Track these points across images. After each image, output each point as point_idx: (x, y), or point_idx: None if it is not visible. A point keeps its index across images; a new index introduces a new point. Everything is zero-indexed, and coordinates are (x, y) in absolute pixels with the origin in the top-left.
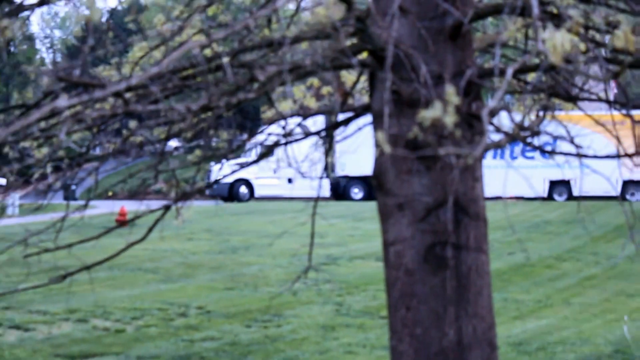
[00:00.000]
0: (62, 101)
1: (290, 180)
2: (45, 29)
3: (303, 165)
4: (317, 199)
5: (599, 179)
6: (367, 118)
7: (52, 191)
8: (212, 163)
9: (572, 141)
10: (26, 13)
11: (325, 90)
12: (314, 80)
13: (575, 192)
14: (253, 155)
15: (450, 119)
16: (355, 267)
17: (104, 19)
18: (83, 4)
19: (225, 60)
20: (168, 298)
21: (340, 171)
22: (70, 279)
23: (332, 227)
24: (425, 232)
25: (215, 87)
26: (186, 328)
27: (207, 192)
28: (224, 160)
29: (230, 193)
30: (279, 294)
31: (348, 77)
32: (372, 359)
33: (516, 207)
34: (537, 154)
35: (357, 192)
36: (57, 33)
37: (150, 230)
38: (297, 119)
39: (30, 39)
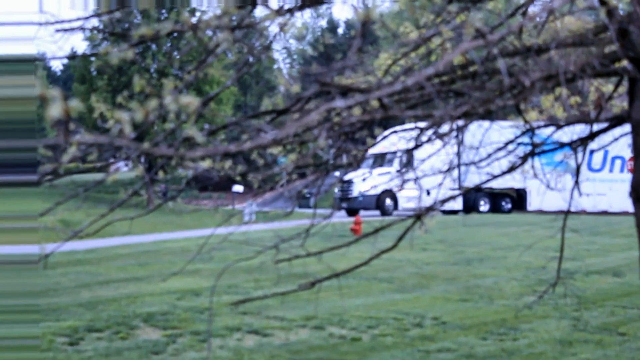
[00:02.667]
0: (339, 102)
1: (428, 193)
2: (282, 39)
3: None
4: (568, 212)
5: None
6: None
7: (294, 198)
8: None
9: None
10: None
11: (573, 100)
12: (562, 90)
13: None
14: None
15: None
16: (592, 282)
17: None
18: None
19: (501, 63)
20: (403, 308)
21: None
22: (319, 286)
23: (567, 240)
24: None
25: (478, 93)
26: (421, 339)
27: (345, 205)
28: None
29: (377, 205)
30: (523, 308)
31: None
32: None
33: None
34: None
35: (483, 204)
36: (293, 42)
37: (400, 239)
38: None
39: (268, 48)
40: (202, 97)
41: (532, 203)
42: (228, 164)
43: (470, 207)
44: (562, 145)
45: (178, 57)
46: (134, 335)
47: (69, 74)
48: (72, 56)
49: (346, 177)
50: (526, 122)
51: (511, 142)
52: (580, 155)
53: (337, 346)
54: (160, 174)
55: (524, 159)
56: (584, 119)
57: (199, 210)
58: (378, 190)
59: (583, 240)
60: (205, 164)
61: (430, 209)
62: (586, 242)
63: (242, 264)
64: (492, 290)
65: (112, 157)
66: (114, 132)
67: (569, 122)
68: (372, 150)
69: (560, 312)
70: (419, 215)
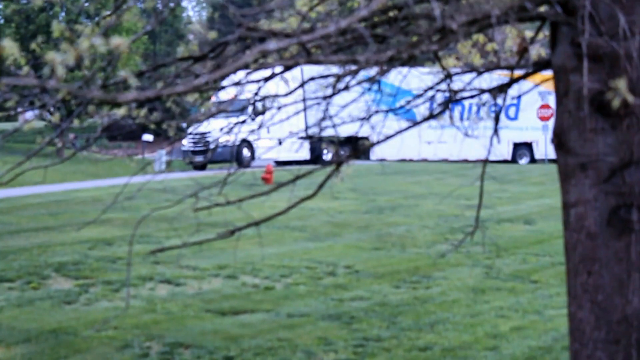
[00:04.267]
0: (271, 44)
1: (280, 142)
2: None
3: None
4: (486, 161)
5: None
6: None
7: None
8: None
9: None
10: None
11: (490, 47)
12: (480, 37)
13: (538, 155)
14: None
15: None
16: (503, 230)
17: None
18: None
19: (434, 4)
20: (316, 257)
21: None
22: (236, 235)
23: (478, 189)
24: (609, 193)
25: (403, 37)
26: (335, 287)
27: (199, 158)
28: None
29: (236, 156)
30: (439, 256)
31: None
32: (525, 324)
33: None
34: (502, 115)
35: (326, 153)
36: None
37: (320, 187)
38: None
39: None
40: None
41: (376, 152)
42: (144, 111)
43: (317, 156)
44: (482, 92)
45: (87, 4)
46: (45, 285)
47: None
48: None
49: (197, 129)
50: (444, 68)
51: (430, 88)
52: (500, 101)
53: (250, 295)
54: (76, 122)
55: (444, 105)
56: (506, 65)
57: (113, 159)
58: (236, 141)
59: (494, 188)
60: (121, 112)
61: (350, 157)
62: (497, 190)
63: (154, 214)
64: (404, 239)
65: (26, 105)
66: (45, 74)
67: (489, 69)
68: (224, 97)
69: (472, 260)
70: (338, 164)
